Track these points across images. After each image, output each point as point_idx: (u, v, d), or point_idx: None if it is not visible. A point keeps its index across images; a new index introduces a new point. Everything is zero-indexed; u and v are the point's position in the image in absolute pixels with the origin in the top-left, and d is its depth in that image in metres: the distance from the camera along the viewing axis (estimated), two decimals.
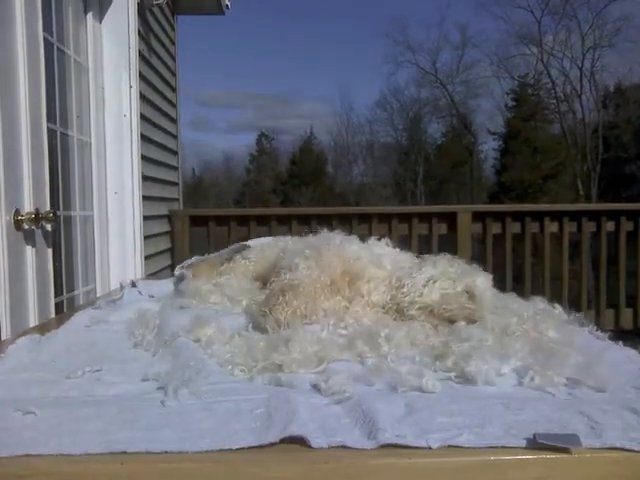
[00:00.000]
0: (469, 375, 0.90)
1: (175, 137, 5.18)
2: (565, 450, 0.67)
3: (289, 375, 0.92)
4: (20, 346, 1.14)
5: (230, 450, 0.69)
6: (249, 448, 0.70)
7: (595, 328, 1.23)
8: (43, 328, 1.37)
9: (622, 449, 0.68)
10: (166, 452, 0.69)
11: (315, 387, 0.87)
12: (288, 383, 0.89)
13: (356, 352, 1.02)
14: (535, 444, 0.68)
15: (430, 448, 0.68)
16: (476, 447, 0.69)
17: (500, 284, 1.47)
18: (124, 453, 0.69)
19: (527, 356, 0.98)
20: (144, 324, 1.26)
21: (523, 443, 0.69)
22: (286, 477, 0.68)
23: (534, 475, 0.68)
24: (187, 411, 0.81)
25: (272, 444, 0.70)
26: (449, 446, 0.69)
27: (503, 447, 0.69)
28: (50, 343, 1.19)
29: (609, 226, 4.83)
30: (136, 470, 0.68)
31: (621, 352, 1.08)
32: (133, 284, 1.76)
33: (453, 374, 0.92)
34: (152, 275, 3.74)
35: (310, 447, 0.69)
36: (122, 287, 1.78)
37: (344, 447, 0.69)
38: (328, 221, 4.57)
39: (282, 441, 0.70)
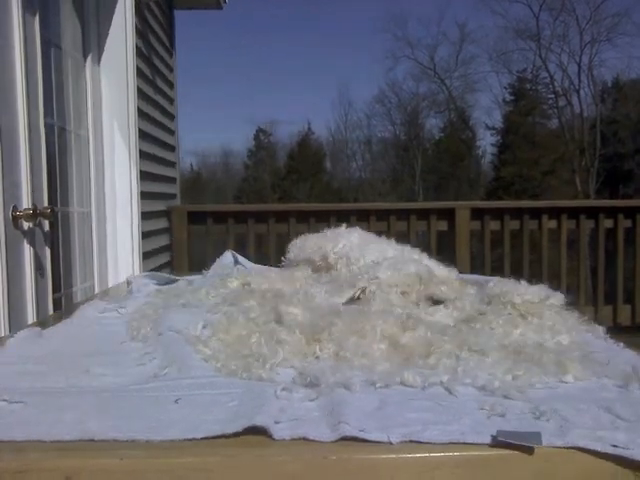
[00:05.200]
0: (448, 376, 0.88)
1: (173, 133, 5.17)
2: (526, 449, 0.67)
3: (270, 371, 0.92)
4: (17, 340, 1.14)
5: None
6: (213, 438, 0.70)
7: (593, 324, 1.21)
8: (41, 324, 1.37)
9: (584, 449, 0.67)
10: (133, 440, 0.70)
11: (294, 381, 0.88)
12: (269, 378, 0.90)
13: (339, 347, 1.01)
14: (497, 442, 0.68)
15: (391, 443, 0.68)
16: (436, 442, 0.68)
17: None
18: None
19: (507, 356, 0.96)
20: (142, 320, 1.26)
21: (487, 440, 0.68)
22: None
23: (500, 472, 0.67)
24: (162, 403, 0.82)
25: (236, 434, 0.70)
26: (410, 441, 0.68)
27: (464, 443, 0.68)
28: (47, 337, 1.20)
29: (607, 223, 4.84)
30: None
31: (626, 353, 1.05)
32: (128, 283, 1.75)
33: (433, 372, 0.90)
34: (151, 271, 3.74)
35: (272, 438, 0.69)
36: (129, 283, 1.75)
37: (305, 439, 0.69)
38: (326, 218, 4.57)
39: (246, 432, 0.70)
